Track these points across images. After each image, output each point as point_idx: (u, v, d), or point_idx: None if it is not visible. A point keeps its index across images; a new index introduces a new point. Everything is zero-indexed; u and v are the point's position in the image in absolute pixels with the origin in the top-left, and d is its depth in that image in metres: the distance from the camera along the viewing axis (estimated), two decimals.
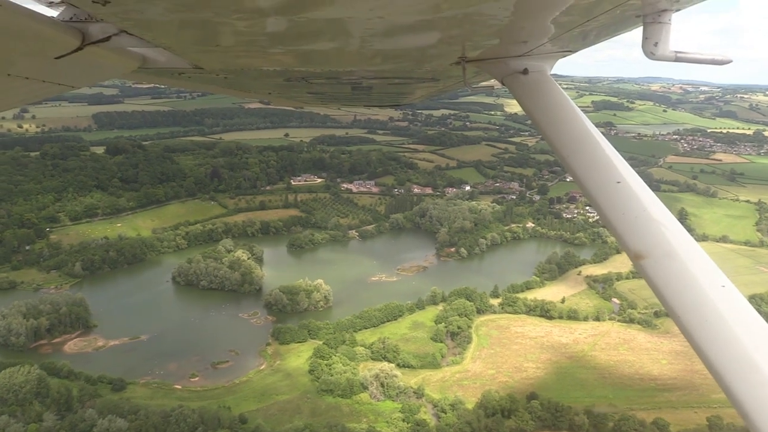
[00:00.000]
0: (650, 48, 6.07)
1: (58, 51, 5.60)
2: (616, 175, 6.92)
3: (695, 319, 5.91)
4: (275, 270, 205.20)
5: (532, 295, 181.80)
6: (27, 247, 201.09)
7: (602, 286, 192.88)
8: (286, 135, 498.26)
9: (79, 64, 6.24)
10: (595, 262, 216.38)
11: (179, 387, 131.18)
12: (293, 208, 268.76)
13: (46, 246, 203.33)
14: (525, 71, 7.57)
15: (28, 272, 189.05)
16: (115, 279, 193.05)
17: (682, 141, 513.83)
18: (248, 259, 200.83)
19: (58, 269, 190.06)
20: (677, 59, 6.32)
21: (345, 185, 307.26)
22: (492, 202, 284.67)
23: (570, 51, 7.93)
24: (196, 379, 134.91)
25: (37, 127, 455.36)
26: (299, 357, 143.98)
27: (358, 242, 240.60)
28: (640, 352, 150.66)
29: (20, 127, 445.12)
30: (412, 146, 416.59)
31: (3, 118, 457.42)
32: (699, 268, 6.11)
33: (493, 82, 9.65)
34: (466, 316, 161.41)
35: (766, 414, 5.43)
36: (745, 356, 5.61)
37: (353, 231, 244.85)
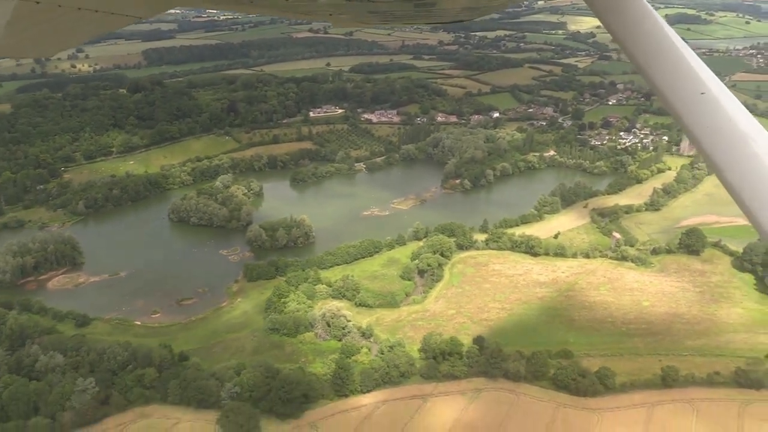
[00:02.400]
0: None
1: None
2: (699, 85, 7.24)
3: None
4: (272, 205, 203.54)
5: (527, 230, 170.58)
6: (39, 187, 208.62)
7: (606, 219, 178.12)
8: (328, 64, 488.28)
9: None
10: (608, 193, 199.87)
11: (138, 323, 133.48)
12: (307, 141, 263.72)
13: (57, 185, 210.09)
14: None
15: (37, 211, 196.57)
16: (117, 216, 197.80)
17: (758, 56, 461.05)
18: (243, 194, 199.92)
19: (63, 207, 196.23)
20: None
21: (366, 115, 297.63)
22: (516, 130, 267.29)
23: None
24: (157, 315, 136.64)
25: (89, 66, 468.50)
26: (262, 295, 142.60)
27: (365, 175, 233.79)
28: (623, 292, 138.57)
29: (73, 66, 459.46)
30: (447, 72, 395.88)
31: (58, 59, 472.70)
32: None
33: None
34: (442, 253, 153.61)
35: None
36: None
37: (361, 163, 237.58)
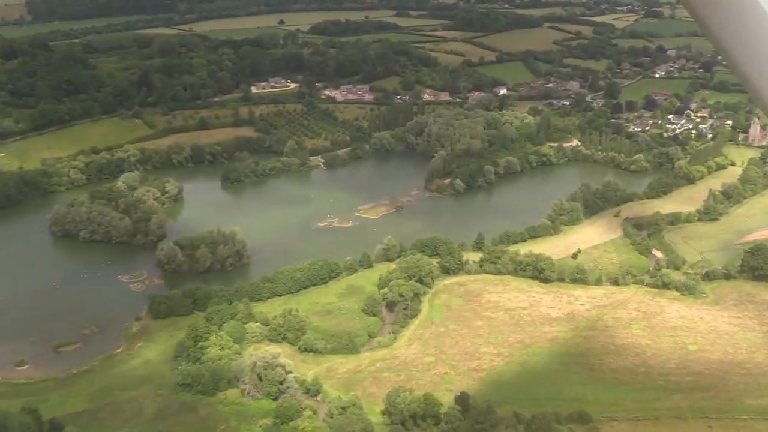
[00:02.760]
0: None
1: None
2: None
3: None
4: (196, 213, 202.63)
5: (537, 248, 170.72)
6: None
7: (644, 233, 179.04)
8: (281, 22, 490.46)
9: None
10: (648, 198, 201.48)
11: None
12: (247, 127, 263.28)
13: None
14: None
15: None
16: None
17: None
18: (154, 199, 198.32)
19: None
20: None
21: (328, 92, 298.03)
22: (528, 112, 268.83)
23: None
24: (25, 367, 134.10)
25: None
26: (172, 337, 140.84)
27: (323, 172, 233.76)
28: (662, 332, 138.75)
29: None
30: (440, 34, 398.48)
31: None
32: None
33: None
34: (420, 279, 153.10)
35: None
36: None
37: (318, 157, 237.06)
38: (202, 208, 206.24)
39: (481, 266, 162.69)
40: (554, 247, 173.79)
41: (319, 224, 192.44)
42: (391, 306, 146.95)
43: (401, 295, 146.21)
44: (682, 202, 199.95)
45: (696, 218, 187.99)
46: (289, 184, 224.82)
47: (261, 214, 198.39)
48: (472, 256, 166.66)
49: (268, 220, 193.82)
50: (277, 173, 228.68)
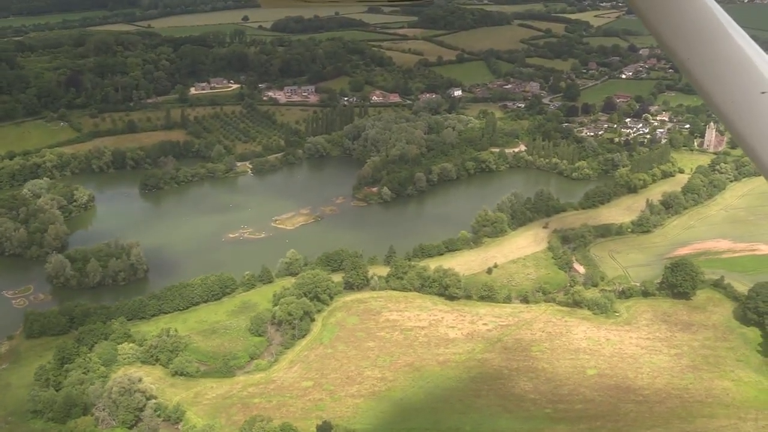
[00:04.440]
0: None
1: None
2: (760, 83, 7.64)
3: None
4: (107, 223, 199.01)
5: (453, 262, 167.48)
6: None
7: (570, 246, 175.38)
8: (245, 18, 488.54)
9: None
10: (584, 208, 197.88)
11: None
12: (179, 130, 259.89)
13: None
14: None
15: None
16: None
17: None
18: (59, 208, 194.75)
19: None
20: None
21: (271, 93, 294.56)
22: (477, 115, 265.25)
23: None
24: None
25: None
26: (41, 358, 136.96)
27: (250, 179, 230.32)
28: (564, 354, 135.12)
29: None
30: (402, 32, 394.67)
31: None
32: None
33: None
34: (317, 296, 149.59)
35: None
36: None
37: (246, 163, 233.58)
38: (113, 217, 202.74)
39: (387, 282, 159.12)
40: (471, 261, 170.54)
41: (231, 235, 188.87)
42: (279, 325, 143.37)
43: (290, 314, 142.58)
44: (620, 212, 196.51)
45: (629, 230, 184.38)
46: (212, 191, 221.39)
47: (173, 224, 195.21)
48: (380, 271, 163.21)
49: (179, 231, 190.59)
50: (201, 180, 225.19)
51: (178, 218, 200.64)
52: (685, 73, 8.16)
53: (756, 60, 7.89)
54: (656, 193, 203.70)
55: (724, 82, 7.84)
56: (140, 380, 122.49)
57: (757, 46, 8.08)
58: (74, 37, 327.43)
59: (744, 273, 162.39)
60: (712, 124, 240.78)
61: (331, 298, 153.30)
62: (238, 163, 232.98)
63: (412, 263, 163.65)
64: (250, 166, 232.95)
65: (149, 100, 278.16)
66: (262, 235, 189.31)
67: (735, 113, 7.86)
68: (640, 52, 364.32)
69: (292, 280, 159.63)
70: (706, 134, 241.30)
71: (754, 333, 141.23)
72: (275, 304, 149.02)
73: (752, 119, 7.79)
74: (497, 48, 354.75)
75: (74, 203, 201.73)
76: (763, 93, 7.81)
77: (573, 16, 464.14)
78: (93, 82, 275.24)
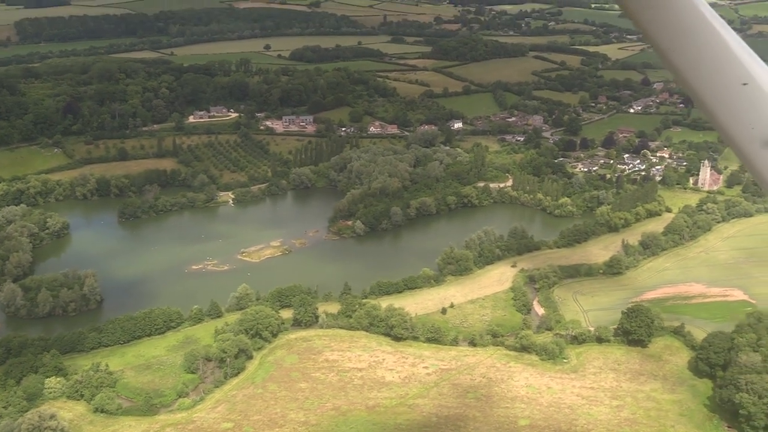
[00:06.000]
0: None
1: None
2: (741, 74, 7.64)
3: None
4: (80, 251, 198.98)
5: (410, 300, 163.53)
6: None
7: (535, 287, 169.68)
8: (267, 47, 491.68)
9: None
10: (559, 246, 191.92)
11: None
12: (170, 158, 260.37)
13: None
14: None
15: None
16: None
17: None
18: (28, 235, 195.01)
19: None
20: None
21: (269, 122, 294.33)
22: (470, 148, 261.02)
23: None
24: None
25: None
26: None
27: (230, 209, 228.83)
28: (500, 402, 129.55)
29: None
30: (413, 62, 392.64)
31: None
32: None
33: None
34: (258, 333, 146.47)
35: None
36: None
37: (229, 193, 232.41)
38: (86, 245, 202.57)
39: (335, 320, 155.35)
40: (428, 300, 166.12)
41: (194, 267, 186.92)
42: (214, 362, 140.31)
43: (224, 351, 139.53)
44: (596, 252, 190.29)
45: (600, 271, 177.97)
46: (189, 221, 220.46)
47: (141, 254, 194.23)
48: (335, 308, 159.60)
49: (145, 261, 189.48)
50: (181, 209, 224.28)
51: (148, 248, 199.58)
52: (667, 64, 8.03)
53: (738, 51, 7.79)
54: (638, 233, 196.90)
55: (706, 72, 7.76)
56: (52, 417, 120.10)
57: (739, 38, 7.93)
58: (80, 64, 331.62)
59: (709, 320, 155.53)
60: (706, 161, 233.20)
61: (275, 335, 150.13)
62: (222, 193, 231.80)
63: (364, 301, 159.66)
64: (232, 196, 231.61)
65: (145, 128, 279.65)
66: (225, 268, 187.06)
67: (716, 104, 7.78)
68: (654, 85, 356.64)
69: (237, 316, 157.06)
70: (700, 172, 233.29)
71: (705, 385, 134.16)
72: (215, 341, 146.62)
73: (733, 110, 7.73)
74: (507, 80, 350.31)
75: (46, 231, 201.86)
76: (744, 84, 7.72)
77: (597, 48, 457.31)
78: (91, 109, 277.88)
